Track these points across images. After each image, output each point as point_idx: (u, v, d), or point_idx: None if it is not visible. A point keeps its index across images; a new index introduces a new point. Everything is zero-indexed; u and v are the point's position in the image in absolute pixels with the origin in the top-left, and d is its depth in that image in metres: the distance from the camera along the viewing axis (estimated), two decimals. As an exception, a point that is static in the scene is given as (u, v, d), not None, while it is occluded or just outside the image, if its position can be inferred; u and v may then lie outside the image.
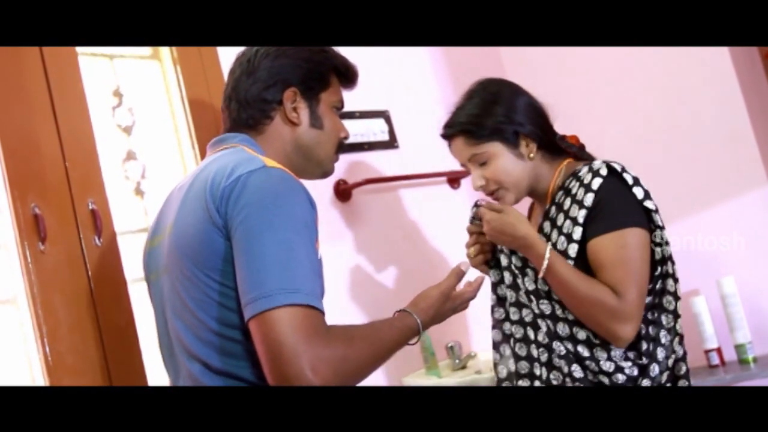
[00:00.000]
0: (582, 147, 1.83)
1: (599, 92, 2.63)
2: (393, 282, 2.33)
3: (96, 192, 1.73)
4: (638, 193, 1.65)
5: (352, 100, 2.20)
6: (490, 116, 1.72)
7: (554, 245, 1.67)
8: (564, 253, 1.64)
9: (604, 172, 1.65)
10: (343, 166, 2.27)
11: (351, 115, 2.29)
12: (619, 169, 1.66)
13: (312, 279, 1.26)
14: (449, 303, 1.55)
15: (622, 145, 2.58)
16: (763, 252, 2.35)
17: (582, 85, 2.67)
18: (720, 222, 2.40)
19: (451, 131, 1.77)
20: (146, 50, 2.03)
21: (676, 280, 1.69)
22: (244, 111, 1.52)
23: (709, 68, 2.40)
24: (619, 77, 2.59)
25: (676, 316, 1.67)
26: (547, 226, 1.73)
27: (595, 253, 1.62)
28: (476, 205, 1.79)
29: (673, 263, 1.68)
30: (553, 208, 1.72)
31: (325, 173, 1.60)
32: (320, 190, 2.20)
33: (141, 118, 1.96)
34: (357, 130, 2.30)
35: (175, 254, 1.38)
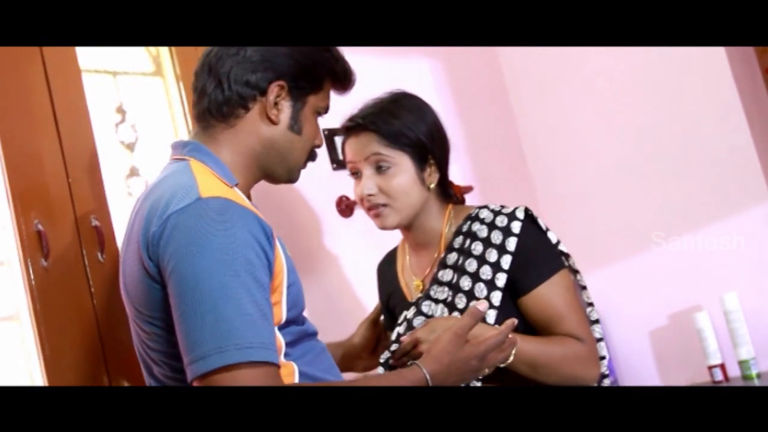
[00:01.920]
0: (463, 200, 1.78)
1: (600, 108, 2.63)
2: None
3: (99, 208, 1.72)
4: (552, 237, 1.63)
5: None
6: (405, 123, 1.61)
7: (468, 293, 1.57)
8: (486, 301, 1.54)
9: (521, 215, 1.59)
10: (346, 182, 2.27)
11: (353, 131, 2.29)
12: (532, 213, 1.62)
13: (256, 325, 1.16)
14: (468, 348, 1.33)
15: (622, 159, 2.58)
16: (766, 267, 2.35)
17: (582, 100, 2.67)
18: (722, 237, 2.39)
19: (360, 122, 1.62)
20: (149, 67, 2.04)
21: (596, 322, 1.66)
22: (221, 92, 1.37)
23: (710, 84, 2.40)
24: (620, 92, 2.59)
25: (601, 359, 1.63)
26: (448, 274, 1.62)
27: (542, 304, 1.56)
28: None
29: (592, 306, 1.67)
30: (454, 254, 1.62)
31: (291, 180, 1.47)
32: (322, 206, 2.21)
33: (144, 135, 1.96)
34: (359, 146, 2.30)
35: (124, 289, 1.35)
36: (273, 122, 1.38)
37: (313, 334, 1.40)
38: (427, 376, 1.28)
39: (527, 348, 1.50)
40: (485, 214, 1.62)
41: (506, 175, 2.72)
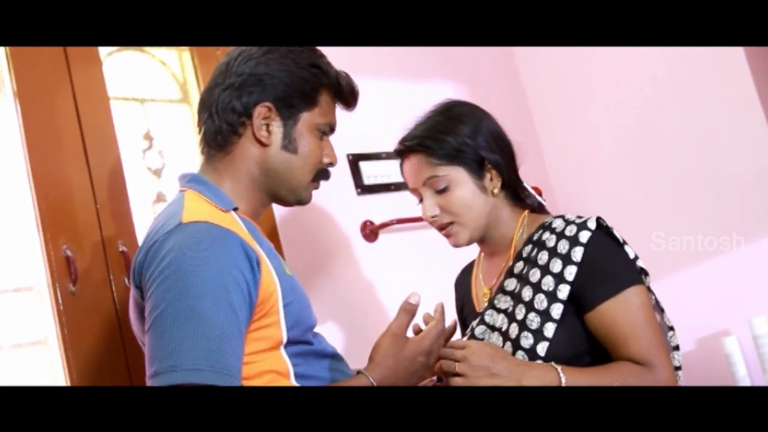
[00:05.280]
0: (543, 201, 1.67)
1: (625, 131, 2.63)
2: (420, 322, 2.32)
3: (126, 234, 1.75)
4: (630, 252, 1.51)
5: (377, 141, 2.21)
6: (454, 135, 1.54)
7: (529, 304, 1.48)
8: (545, 313, 1.45)
9: (592, 225, 1.48)
10: (370, 206, 2.28)
11: (377, 156, 2.30)
12: (607, 224, 1.51)
13: (212, 348, 1.14)
14: (411, 346, 1.35)
15: (647, 182, 2.57)
16: (795, 291, 2.32)
17: (606, 123, 2.67)
18: (750, 260, 2.37)
19: (408, 144, 1.57)
20: (176, 94, 2.06)
21: (676, 348, 1.53)
22: (212, 122, 1.39)
23: (738, 105, 2.38)
24: (646, 116, 2.58)
25: None
26: (512, 283, 1.54)
27: (608, 322, 1.43)
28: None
29: (673, 331, 1.55)
30: (521, 263, 1.54)
31: (299, 202, 1.45)
32: (347, 230, 2.22)
33: (171, 161, 1.99)
34: (383, 171, 2.32)
35: (131, 322, 1.37)
36: (264, 144, 1.39)
37: (329, 356, 1.39)
38: (374, 383, 1.28)
39: (576, 382, 1.39)
40: (558, 223, 1.52)
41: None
